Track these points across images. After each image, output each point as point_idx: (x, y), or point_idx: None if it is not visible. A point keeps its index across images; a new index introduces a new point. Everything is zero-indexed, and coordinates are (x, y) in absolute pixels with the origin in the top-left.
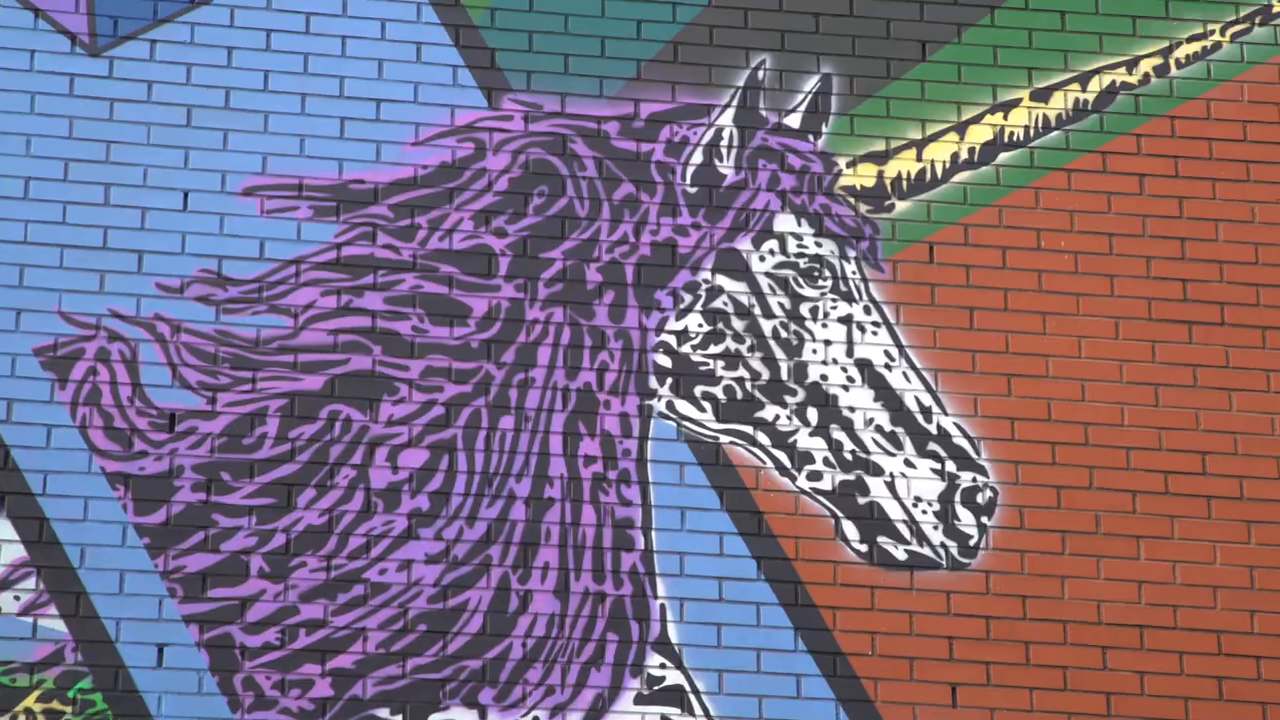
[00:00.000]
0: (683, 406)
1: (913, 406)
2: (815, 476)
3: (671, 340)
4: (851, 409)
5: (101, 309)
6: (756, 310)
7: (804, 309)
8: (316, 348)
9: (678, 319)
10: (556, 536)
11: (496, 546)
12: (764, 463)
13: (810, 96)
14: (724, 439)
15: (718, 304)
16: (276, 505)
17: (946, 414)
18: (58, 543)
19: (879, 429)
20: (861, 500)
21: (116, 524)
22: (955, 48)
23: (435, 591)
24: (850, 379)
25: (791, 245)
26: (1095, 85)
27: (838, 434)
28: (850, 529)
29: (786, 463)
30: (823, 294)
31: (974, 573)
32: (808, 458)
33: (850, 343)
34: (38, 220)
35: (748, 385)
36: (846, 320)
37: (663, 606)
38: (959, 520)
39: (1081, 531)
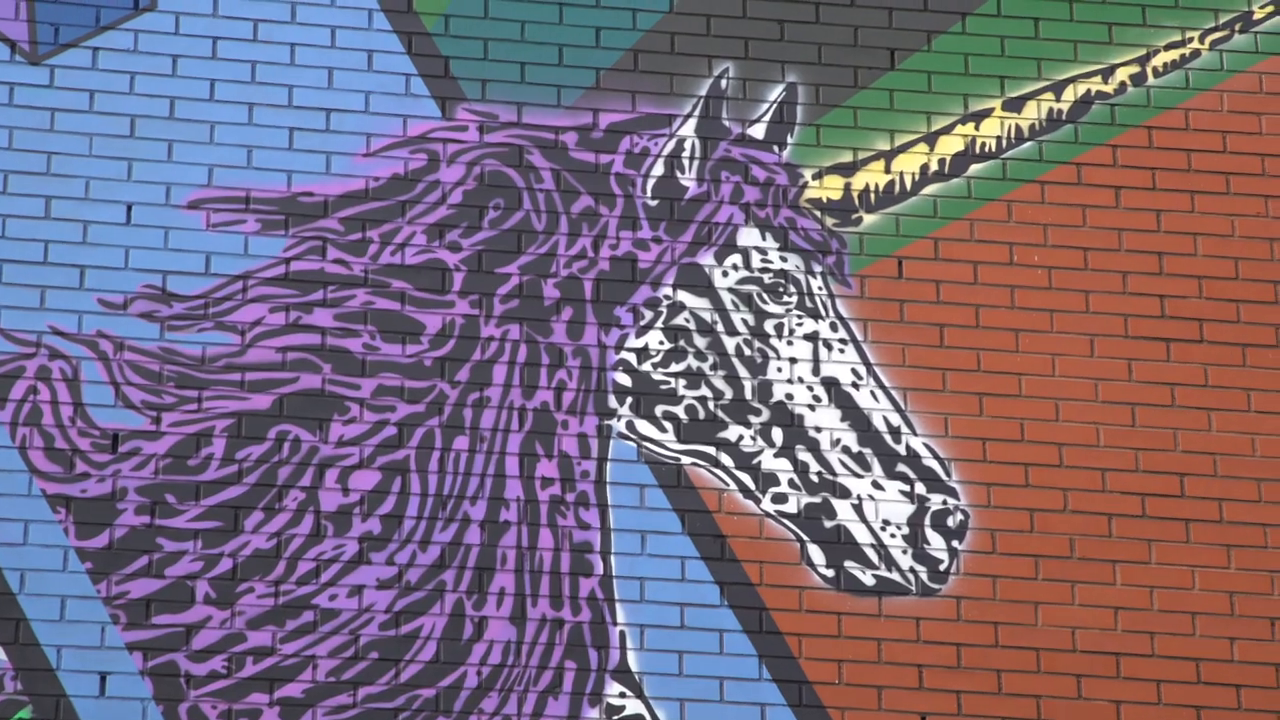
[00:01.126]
0: (643, 427)
1: (881, 427)
2: (780, 499)
3: (631, 358)
4: (818, 429)
5: (42, 326)
6: (719, 327)
7: (768, 326)
8: (264, 366)
9: (638, 336)
10: (513, 561)
11: (450, 571)
12: (727, 485)
13: (775, 106)
14: (686, 460)
15: (679, 320)
16: (223, 529)
17: (916, 434)
18: None
19: (846, 450)
20: (828, 523)
21: (57, 548)
22: (925, 56)
23: (387, 618)
24: (816, 398)
25: (755, 260)
26: (1070, 94)
27: (803, 455)
28: (816, 553)
29: (750, 485)
30: (788, 310)
31: (944, 598)
32: (772, 479)
33: (816, 361)
34: None
35: (710, 404)
36: (812, 337)
37: (622, 633)
38: (929, 544)
39: (1055, 556)
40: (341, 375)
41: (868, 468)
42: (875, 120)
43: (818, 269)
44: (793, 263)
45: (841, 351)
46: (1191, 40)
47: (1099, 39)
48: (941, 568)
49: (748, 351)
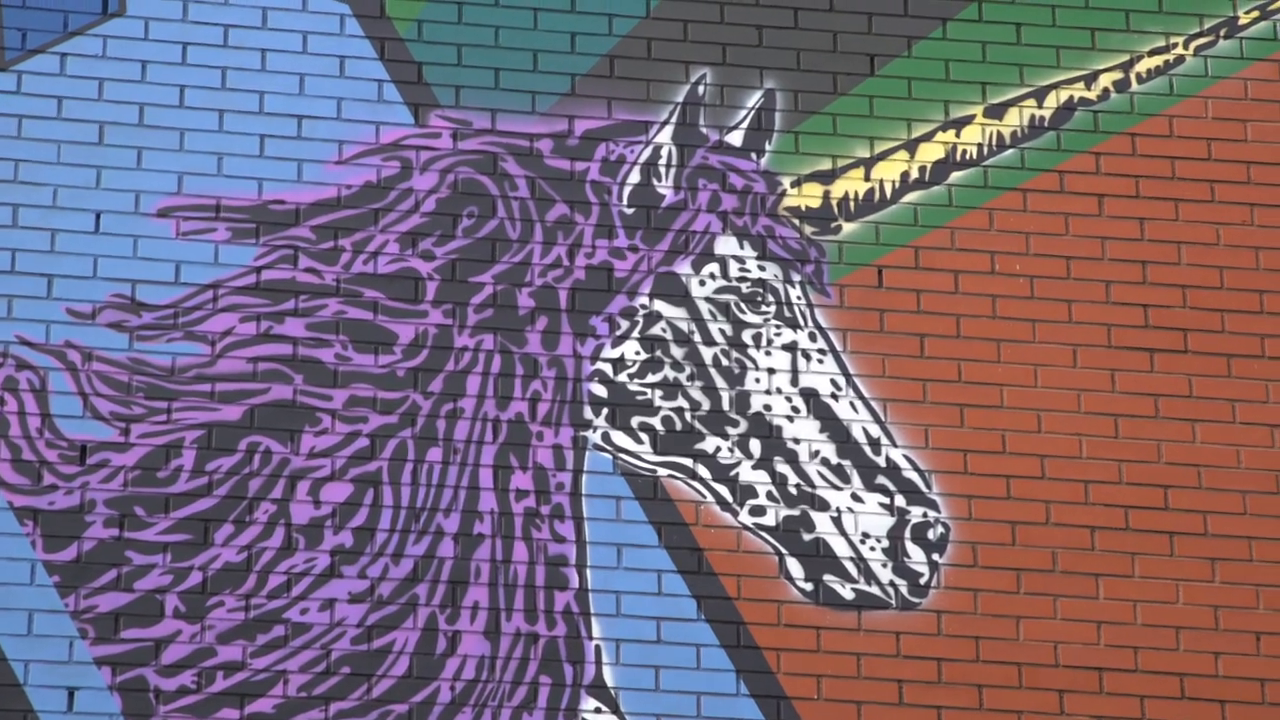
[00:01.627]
0: (619, 438)
1: (860, 438)
2: (758, 511)
3: (607, 368)
4: (796, 441)
5: (9, 336)
6: (696, 337)
7: (746, 336)
8: (235, 376)
9: (614, 346)
10: (486, 574)
11: (423, 585)
12: (704, 497)
13: (753, 113)
14: (662, 472)
15: (656, 330)
16: (193, 542)
17: (896, 446)
18: None
19: (825, 462)
20: (807, 536)
21: (25, 561)
22: (905, 61)
23: (359, 632)
24: (795, 409)
25: (733, 269)
26: (1052, 101)
27: (782, 467)
28: (795, 567)
29: (728, 497)
30: (766, 320)
31: (925, 613)
32: (750, 492)
33: (795, 371)
34: None
35: (687, 416)
36: (791, 348)
37: (598, 648)
38: (909, 557)
39: (1038, 569)
40: (313, 386)
41: (847, 480)
42: (855, 127)
43: (796, 278)
44: (771, 272)
45: (820, 362)
46: (1176, 46)
47: (1082, 44)
48: (922, 581)
49: (725, 362)
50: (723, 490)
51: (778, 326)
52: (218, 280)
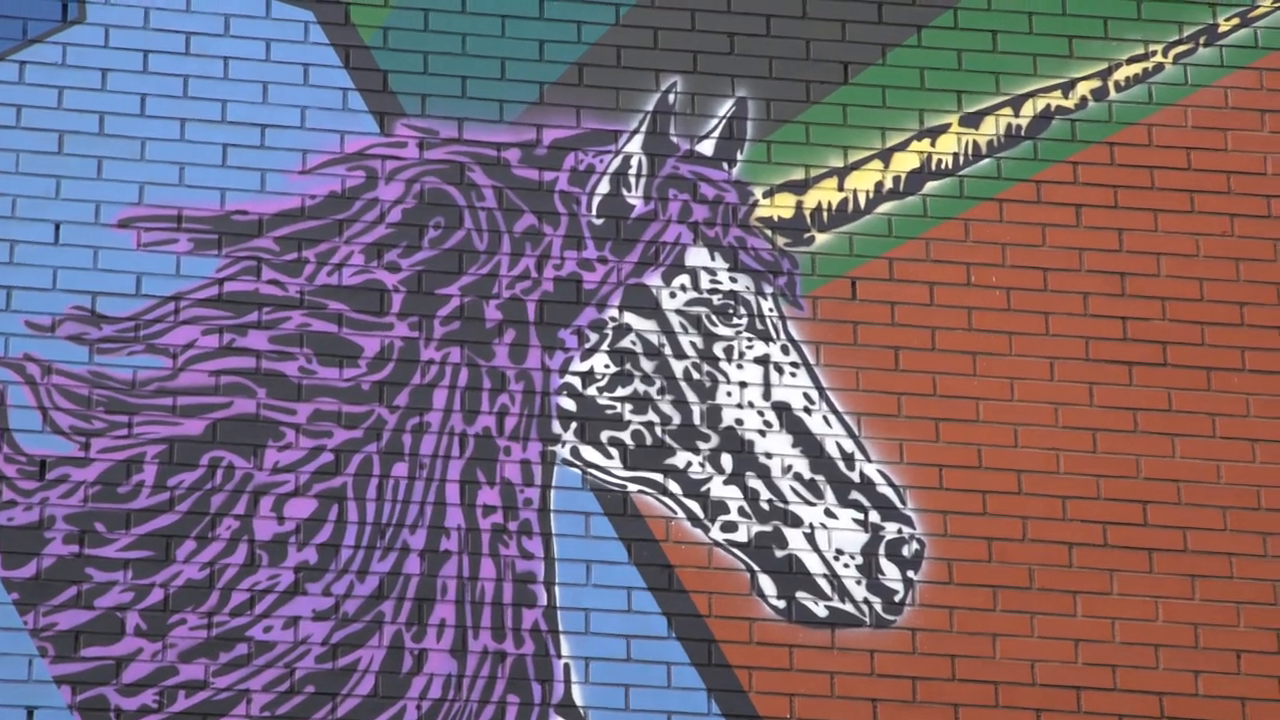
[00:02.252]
0: (588, 453)
1: (834, 453)
2: (730, 528)
3: (576, 382)
4: (768, 455)
5: None
6: (667, 350)
7: (718, 349)
8: (197, 390)
9: (583, 359)
10: (453, 591)
11: (389, 602)
12: (675, 513)
13: (724, 121)
14: (632, 487)
15: (625, 343)
16: (154, 558)
17: (870, 461)
18: None
19: (798, 477)
20: (779, 553)
21: None
22: (879, 69)
23: (324, 650)
24: (767, 423)
25: (704, 280)
26: (1029, 109)
27: (754, 482)
28: (767, 584)
29: (699, 513)
30: (738, 333)
31: (899, 631)
32: (722, 507)
33: (767, 385)
34: None
35: (657, 430)
36: (763, 361)
37: (567, 666)
38: (883, 574)
39: (1014, 586)
40: (277, 400)
41: (820, 495)
42: (828, 136)
43: (768, 290)
44: (742, 283)
45: (793, 375)
46: (1154, 53)
47: (1059, 52)
48: (896, 599)
49: (696, 375)
50: (694, 506)
51: (749, 339)
52: (179, 292)
